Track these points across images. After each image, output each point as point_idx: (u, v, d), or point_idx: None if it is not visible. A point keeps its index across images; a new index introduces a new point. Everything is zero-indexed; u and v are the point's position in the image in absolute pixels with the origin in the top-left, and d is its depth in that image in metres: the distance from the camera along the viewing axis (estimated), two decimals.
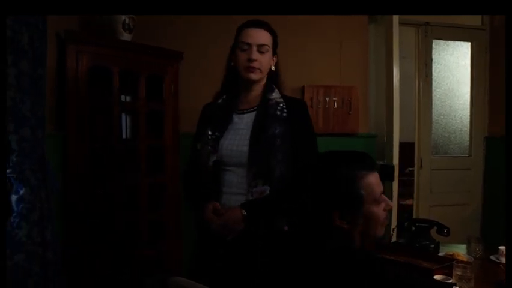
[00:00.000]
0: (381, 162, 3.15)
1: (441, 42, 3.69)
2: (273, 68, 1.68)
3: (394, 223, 2.99)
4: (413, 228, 2.16)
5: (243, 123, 1.64)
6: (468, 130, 3.78)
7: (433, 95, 3.66)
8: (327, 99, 3.03)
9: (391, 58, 3.05)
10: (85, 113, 2.20)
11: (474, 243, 1.99)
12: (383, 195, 1.17)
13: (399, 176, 3.13)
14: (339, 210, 1.12)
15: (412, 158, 3.66)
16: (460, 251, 2.01)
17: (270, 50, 1.64)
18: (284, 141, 1.58)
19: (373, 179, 1.15)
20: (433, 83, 3.65)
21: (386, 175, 3.06)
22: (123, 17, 2.44)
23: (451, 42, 3.72)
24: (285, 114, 1.62)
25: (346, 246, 1.14)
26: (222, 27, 2.81)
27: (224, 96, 1.70)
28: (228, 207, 1.56)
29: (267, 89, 1.67)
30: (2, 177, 1.21)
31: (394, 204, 3.05)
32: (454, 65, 3.74)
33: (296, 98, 1.75)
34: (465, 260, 1.85)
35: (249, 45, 1.60)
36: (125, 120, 2.47)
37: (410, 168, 3.85)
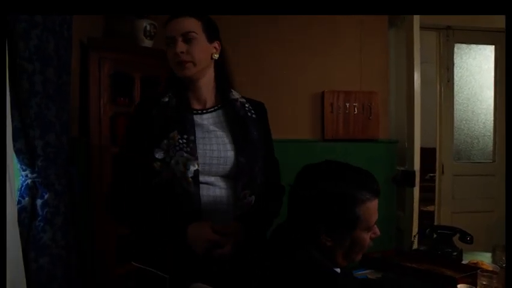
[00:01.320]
0: (402, 168, 3.11)
1: (464, 46, 3.63)
2: (214, 56, 1.44)
3: (415, 230, 2.95)
4: (435, 235, 2.12)
5: (209, 124, 1.42)
6: (492, 135, 3.70)
7: (455, 100, 3.61)
8: (347, 104, 3.00)
9: (412, 63, 3.00)
10: (107, 118, 2.23)
11: (499, 252, 1.94)
12: (375, 225, 1.13)
13: (420, 181, 3.08)
14: (328, 226, 1.08)
15: (433, 163, 3.61)
16: (485, 259, 1.96)
17: (202, 36, 1.39)
18: (260, 145, 1.44)
19: (374, 206, 1.10)
20: (455, 87, 3.60)
21: (407, 181, 3.02)
22: (144, 24, 2.48)
23: (473, 46, 3.66)
24: (254, 116, 1.47)
25: (322, 261, 1.10)
26: (241, 31, 2.84)
27: (170, 94, 1.44)
28: (226, 225, 1.34)
29: (223, 87, 1.48)
30: (2, 178, 1.23)
31: (415, 210, 3.01)
32: (477, 69, 3.68)
33: (254, 99, 1.54)
34: (490, 269, 1.80)
35: (173, 38, 1.37)
36: None
37: (431, 174, 3.79)
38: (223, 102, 1.46)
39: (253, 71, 2.86)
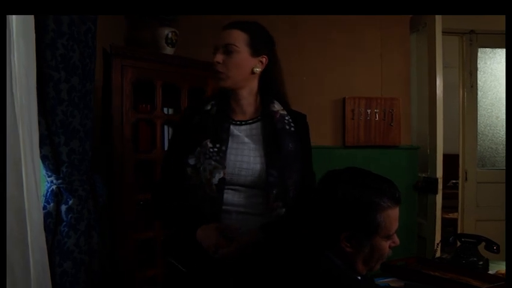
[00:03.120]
0: (424, 175, 3.06)
1: (488, 50, 3.57)
2: (255, 70, 1.43)
3: (438, 238, 2.90)
4: (459, 243, 2.08)
5: (246, 136, 1.44)
6: None
7: (479, 106, 3.54)
8: (369, 111, 2.98)
9: (434, 68, 2.96)
10: (130, 125, 2.26)
11: None
12: (394, 233, 1.14)
13: (443, 188, 3.03)
14: (349, 232, 1.08)
15: (456, 170, 3.54)
16: None
17: (244, 50, 1.39)
18: (296, 159, 1.43)
19: (395, 214, 1.12)
20: (479, 92, 3.53)
21: (429, 188, 2.97)
22: (166, 31, 2.52)
23: (498, 50, 3.59)
24: (293, 129, 1.46)
25: (341, 268, 1.11)
26: None
27: (212, 102, 1.47)
28: (243, 232, 1.34)
29: (266, 100, 1.48)
30: (2, 179, 1.25)
31: (438, 217, 2.95)
32: (502, 73, 3.60)
33: (297, 111, 1.55)
34: None
35: (216, 47, 1.41)
36: (168, 132, 2.52)
37: (454, 181, 3.72)
38: (263, 114, 1.47)
39: None
